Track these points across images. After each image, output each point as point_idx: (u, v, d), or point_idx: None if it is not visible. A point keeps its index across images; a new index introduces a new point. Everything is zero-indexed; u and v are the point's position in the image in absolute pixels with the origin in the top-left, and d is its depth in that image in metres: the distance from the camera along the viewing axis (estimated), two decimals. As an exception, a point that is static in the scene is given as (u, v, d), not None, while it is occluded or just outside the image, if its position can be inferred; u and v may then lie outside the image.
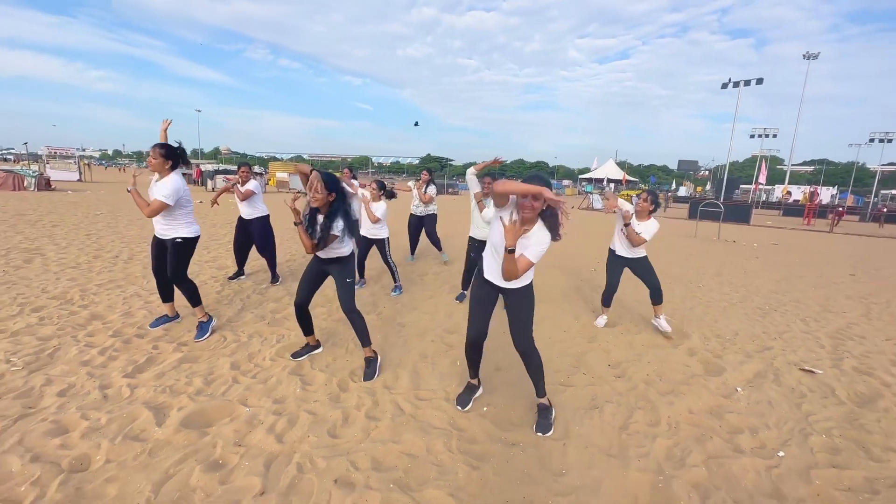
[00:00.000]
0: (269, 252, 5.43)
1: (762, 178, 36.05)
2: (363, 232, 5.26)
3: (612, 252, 4.43)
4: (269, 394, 2.85)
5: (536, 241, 2.31)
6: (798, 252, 11.26)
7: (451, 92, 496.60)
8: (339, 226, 2.90)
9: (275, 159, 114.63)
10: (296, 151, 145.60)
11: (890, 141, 31.73)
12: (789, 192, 38.70)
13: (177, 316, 3.92)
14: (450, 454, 2.35)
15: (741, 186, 35.27)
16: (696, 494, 2.13)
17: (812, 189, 34.08)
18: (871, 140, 32.80)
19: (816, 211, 23.52)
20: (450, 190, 38.87)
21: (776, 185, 45.51)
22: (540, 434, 2.54)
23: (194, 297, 3.70)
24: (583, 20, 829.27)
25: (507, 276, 2.30)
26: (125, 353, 3.28)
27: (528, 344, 2.55)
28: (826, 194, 38.46)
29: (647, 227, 4.13)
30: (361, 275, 5.68)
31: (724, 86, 29.46)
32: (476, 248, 4.81)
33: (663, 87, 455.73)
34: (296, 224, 2.92)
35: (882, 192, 40.63)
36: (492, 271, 2.52)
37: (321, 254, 3.07)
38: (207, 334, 3.69)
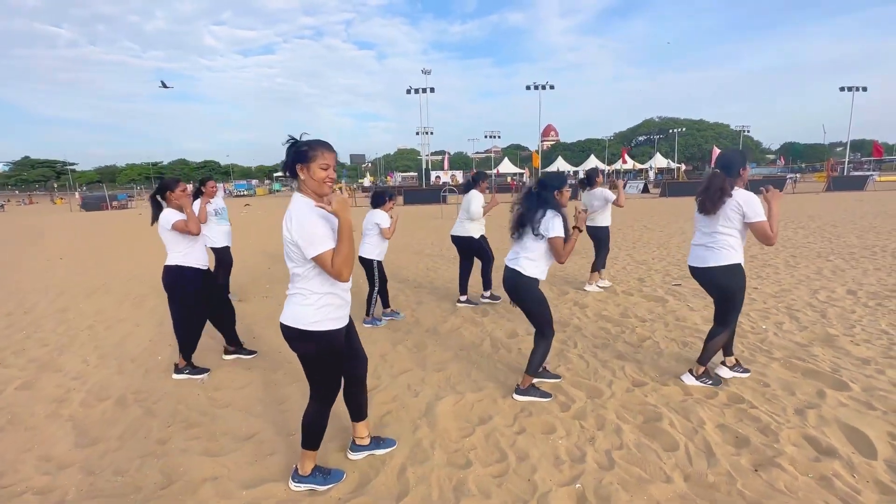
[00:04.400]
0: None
1: (445, 166, 47.77)
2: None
3: (608, 228, 6.12)
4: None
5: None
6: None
7: (38, 71, 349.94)
8: None
9: None
10: None
11: (499, 137, 47.51)
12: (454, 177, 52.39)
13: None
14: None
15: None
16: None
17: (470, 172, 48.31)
18: (486, 136, 47.93)
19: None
20: (116, 204, 29.80)
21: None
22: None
23: None
24: (215, 4, 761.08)
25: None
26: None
27: None
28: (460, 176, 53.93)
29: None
30: (386, 304, 5.08)
31: (408, 91, 35.53)
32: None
33: (311, 86, 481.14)
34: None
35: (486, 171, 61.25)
36: None
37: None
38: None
